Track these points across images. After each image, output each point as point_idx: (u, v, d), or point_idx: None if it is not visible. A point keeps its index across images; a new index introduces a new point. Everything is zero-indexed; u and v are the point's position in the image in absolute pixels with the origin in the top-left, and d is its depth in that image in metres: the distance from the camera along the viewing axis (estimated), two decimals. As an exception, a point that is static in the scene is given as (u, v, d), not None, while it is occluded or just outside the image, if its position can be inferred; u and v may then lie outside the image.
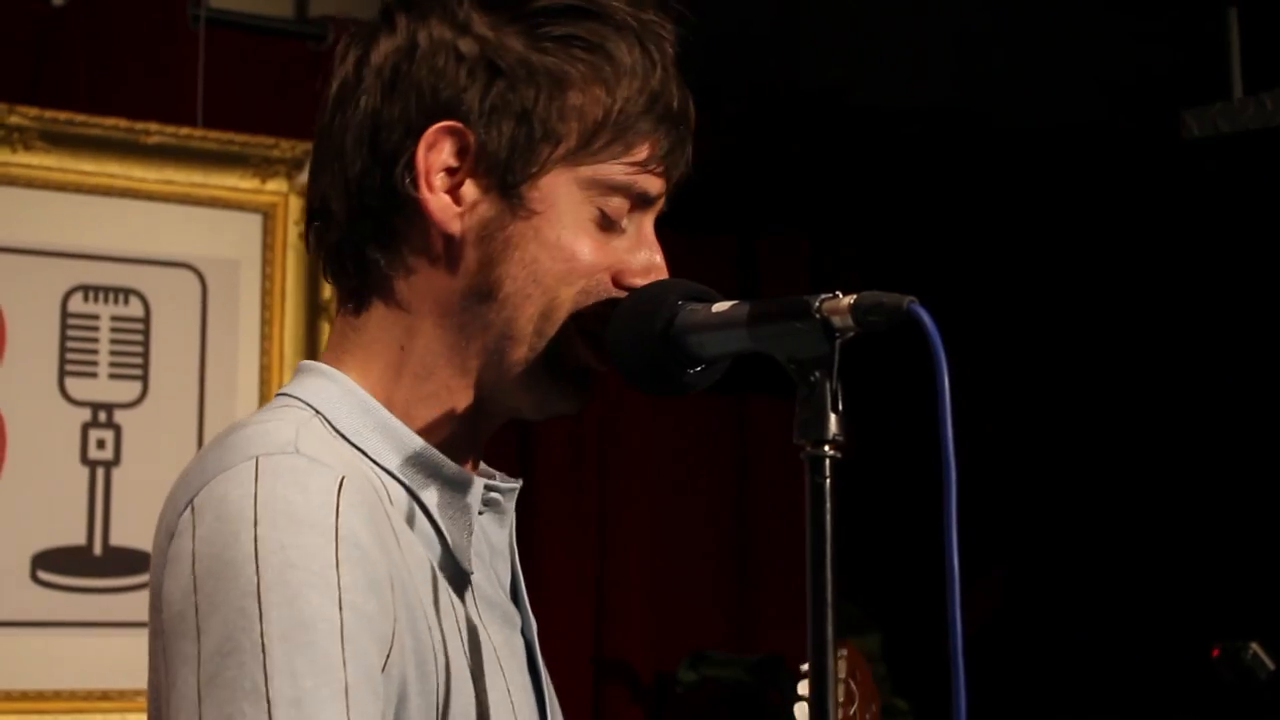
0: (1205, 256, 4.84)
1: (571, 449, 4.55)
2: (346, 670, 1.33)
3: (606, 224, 1.51)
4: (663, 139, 1.52)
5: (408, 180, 1.49)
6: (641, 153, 1.51)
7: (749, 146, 4.86)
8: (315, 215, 1.54)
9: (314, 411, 1.48)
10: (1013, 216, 5.07)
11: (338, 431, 1.48)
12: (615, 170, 1.50)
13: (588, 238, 1.50)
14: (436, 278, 1.50)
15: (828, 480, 1.34)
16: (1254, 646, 3.58)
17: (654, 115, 1.51)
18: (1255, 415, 4.76)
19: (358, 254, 1.52)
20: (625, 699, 4.58)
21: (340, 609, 1.33)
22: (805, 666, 2.07)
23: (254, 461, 1.38)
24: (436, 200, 1.49)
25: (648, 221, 1.55)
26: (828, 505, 1.34)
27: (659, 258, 1.55)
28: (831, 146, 4.96)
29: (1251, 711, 4.13)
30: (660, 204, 1.56)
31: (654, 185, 1.53)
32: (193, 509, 1.38)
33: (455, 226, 1.49)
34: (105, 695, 3.98)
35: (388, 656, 1.37)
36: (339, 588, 1.34)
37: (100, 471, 4.05)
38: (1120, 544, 4.90)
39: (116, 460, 4.06)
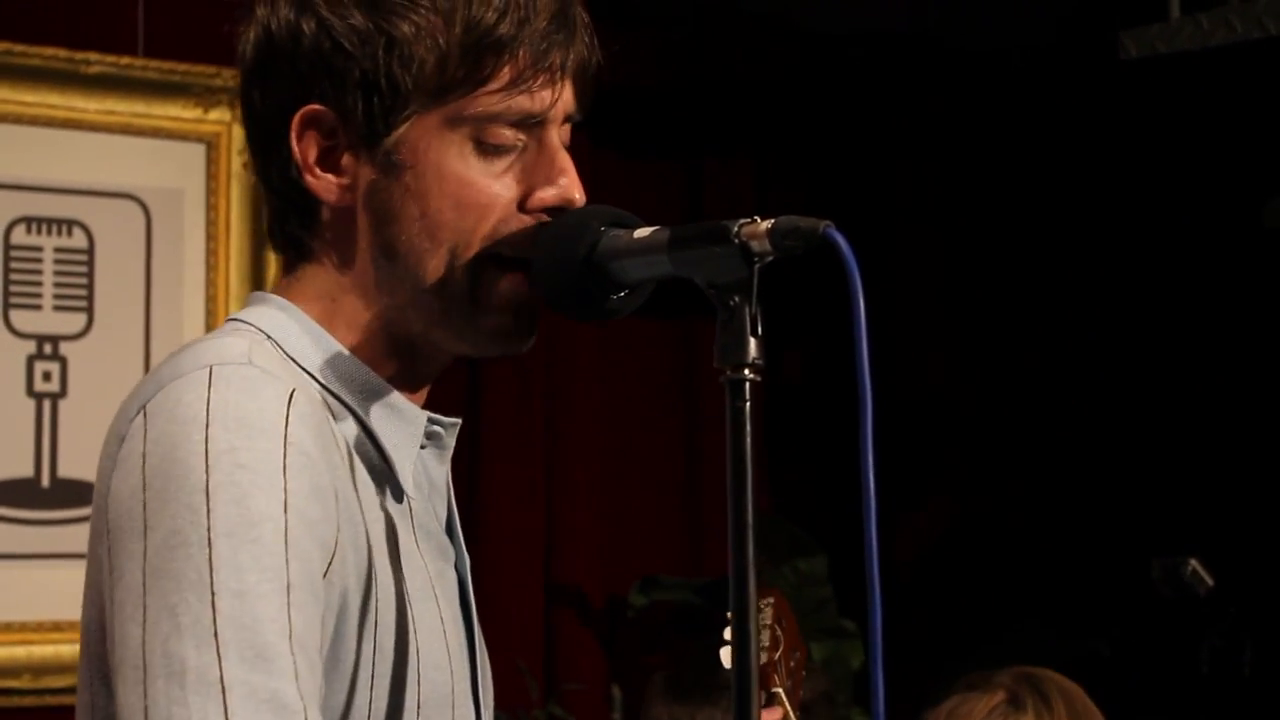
0: (1145, 176, 4.87)
1: (519, 376, 4.56)
2: (289, 569, 1.36)
3: (489, 150, 1.50)
4: (527, 53, 1.49)
5: (293, 169, 1.52)
6: (504, 76, 1.49)
7: (694, 72, 4.86)
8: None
9: (265, 335, 1.51)
10: (957, 140, 5.08)
11: (288, 355, 1.50)
12: (481, 102, 1.49)
13: (471, 171, 1.50)
14: (346, 246, 1.53)
15: (748, 404, 1.36)
16: (1193, 563, 3.64)
17: (503, 35, 1.48)
18: (1194, 334, 4.80)
19: (284, 230, 1.57)
20: (577, 623, 4.62)
21: (286, 511, 1.37)
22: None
23: (208, 369, 1.41)
24: (319, 182, 1.52)
25: (550, 136, 1.52)
26: (748, 428, 1.36)
27: (567, 172, 1.52)
28: (776, 71, 4.96)
29: (1191, 627, 4.19)
30: (558, 113, 1.53)
31: (535, 102, 1.50)
32: (144, 414, 1.41)
33: (346, 199, 1.52)
34: (56, 626, 4.00)
35: (329, 564, 1.40)
36: (285, 491, 1.37)
37: (46, 404, 4.05)
38: (1062, 465, 4.95)
39: (63, 392, 4.06)
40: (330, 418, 1.47)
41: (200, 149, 4.22)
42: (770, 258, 1.37)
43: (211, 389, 1.39)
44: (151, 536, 1.36)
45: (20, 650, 4.00)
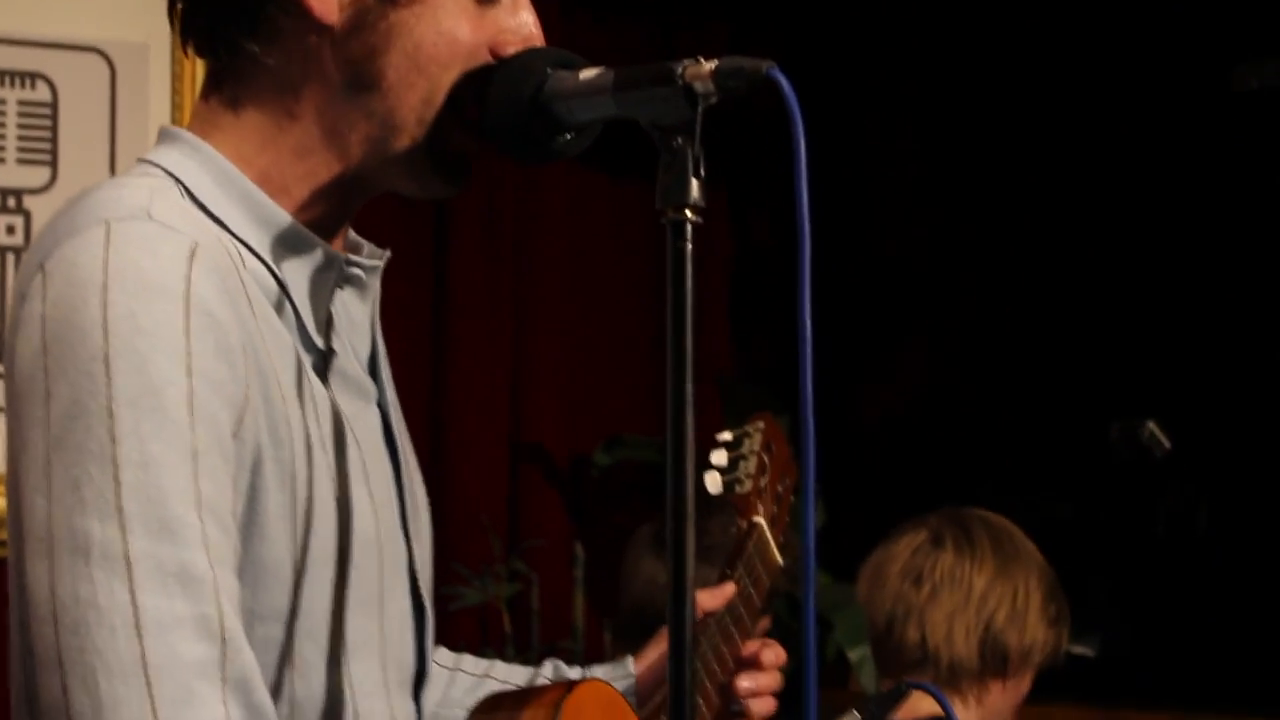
0: (1111, 40, 4.84)
1: (487, 232, 4.55)
2: (195, 434, 1.35)
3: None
4: None
5: None
6: None
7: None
8: None
9: (173, 180, 1.48)
10: (931, 7, 5.05)
11: (196, 201, 1.48)
12: None
13: (467, 17, 1.50)
14: (316, 68, 1.50)
15: (689, 245, 1.36)
16: (1151, 425, 3.66)
17: None
18: (1160, 200, 4.80)
19: (231, 43, 1.51)
20: (542, 482, 4.64)
21: (189, 375, 1.36)
22: (722, 435, 2.10)
23: (105, 226, 1.38)
24: None
25: None
26: (689, 270, 1.36)
27: (530, 19, 1.53)
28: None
29: (1148, 489, 4.23)
30: None
31: None
32: (43, 273, 1.39)
33: (334, 17, 1.49)
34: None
35: (240, 421, 1.39)
36: (188, 354, 1.36)
37: (10, 257, 4.04)
38: (1023, 329, 4.96)
39: (26, 246, 4.05)
40: (239, 268, 1.45)
41: (163, 2, 4.18)
42: (714, 99, 1.37)
43: (109, 249, 1.37)
44: (53, 405, 1.34)
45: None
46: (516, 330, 4.61)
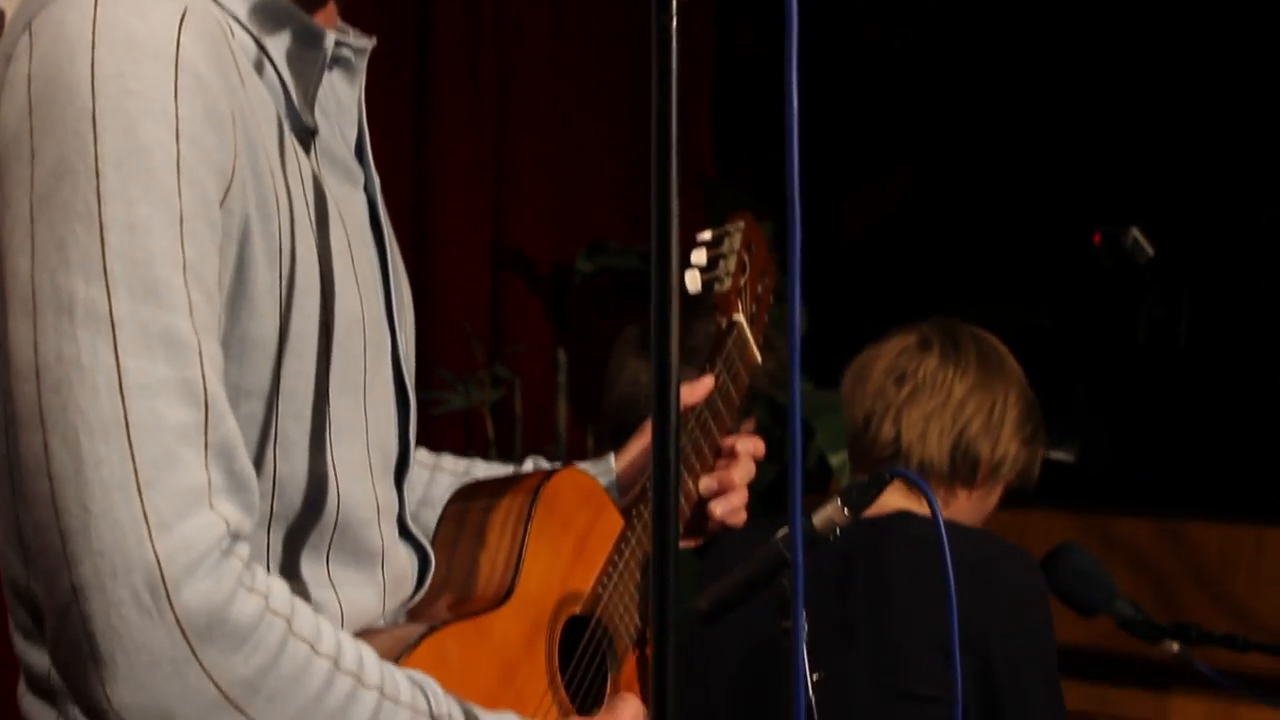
0: None
1: (469, 33, 4.49)
2: (182, 199, 1.33)
3: None
4: None
5: None
6: None
7: None
8: None
9: None
10: None
11: None
12: None
13: None
14: None
15: (674, 20, 1.32)
16: (1134, 232, 3.64)
17: None
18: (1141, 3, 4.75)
19: None
20: (523, 289, 4.62)
21: (178, 139, 1.33)
22: (702, 235, 2.09)
23: None
24: None
25: None
26: (674, 48, 1.32)
27: None
28: None
29: (1130, 296, 4.24)
30: None
31: None
32: (30, 32, 1.36)
33: None
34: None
35: (227, 190, 1.38)
36: (177, 118, 1.34)
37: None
38: (1006, 134, 4.94)
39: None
40: (229, 39, 1.42)
41: None
42: None
43: (99, 9, 1.34)
44: (39, 164, 1.33)
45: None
46: (498, 136, 4.57)
